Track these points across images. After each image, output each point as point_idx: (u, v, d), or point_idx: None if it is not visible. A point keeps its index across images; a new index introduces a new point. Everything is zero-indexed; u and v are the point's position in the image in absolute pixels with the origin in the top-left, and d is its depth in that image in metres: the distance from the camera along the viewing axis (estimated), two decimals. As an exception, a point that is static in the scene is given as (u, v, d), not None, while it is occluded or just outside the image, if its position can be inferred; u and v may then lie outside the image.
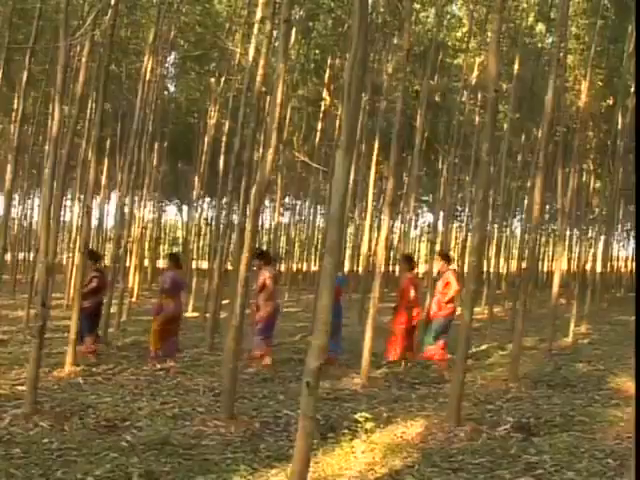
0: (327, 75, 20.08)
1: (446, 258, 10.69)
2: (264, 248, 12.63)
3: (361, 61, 4.10)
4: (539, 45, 20.12)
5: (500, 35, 6.58)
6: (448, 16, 20.39)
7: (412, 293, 10.12)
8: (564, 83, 15.25)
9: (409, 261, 10.74)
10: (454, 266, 13.79)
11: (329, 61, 20.14)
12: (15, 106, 17.93)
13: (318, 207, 27.80)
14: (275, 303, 9.98)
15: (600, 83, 19.41)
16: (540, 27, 20.01)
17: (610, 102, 19.95)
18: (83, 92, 9.57)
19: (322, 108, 20.51)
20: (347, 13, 18.96)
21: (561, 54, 10.04)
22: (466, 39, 19.22)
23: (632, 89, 16.41)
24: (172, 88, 26.18)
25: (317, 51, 21.30)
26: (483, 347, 12.21)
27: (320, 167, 18.33)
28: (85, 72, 9.06)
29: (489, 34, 7.23)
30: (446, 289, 10.06)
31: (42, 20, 12.70)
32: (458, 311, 9.18)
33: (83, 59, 9.49)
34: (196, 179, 24.27)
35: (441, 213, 21.98)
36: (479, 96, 21.08)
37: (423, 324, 10.34)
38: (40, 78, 16.71)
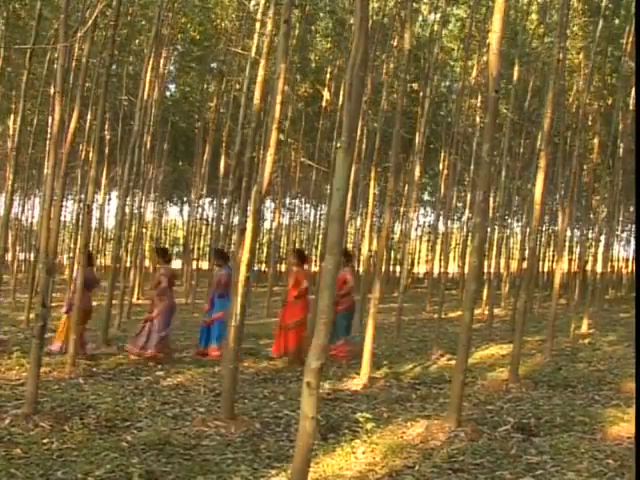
0: (328, 76, 20.11)
1: (346, 255, 10.57)
2: (164, 246, 12.73)
3: (362, 61, 4.10)
4: (539, 46, 20.10)
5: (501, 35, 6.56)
6: (449, 17, 20.39)
7: (304, 285, 10.14)
8: (564, 83, 15.27)
9: (300, 256, 10.73)
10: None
11: (329, 60, 20.17)
12: (15, 106, 17.92)
13: (319, 207, 27.82)
14: (170, 301, 10.03)
15: (599, 84, 19.41)
16: (541, 28, 20.01)
17: (609, 102, 19.95)
18: (83, 92, 9.57)
19: (322, 107, 20.52)
20: (349, 12, 18.99)
21: (561, 55, 10.02)
22: (466, 39, 19.20)
23: (632, 89, 16.41)
24: (173, 88, 26.17)
25: (317, 50, 21.31)
26: (483, 347, 12.22)
27: (321, 167, 18.35)
28: (85, 72, 9.05)
29: (489, 34, 7.22)
30: (343, 287, 10.07)
31: (42, 20, 12.71)
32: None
33: (84, 59, 9.49)
34: (197, 179, 24.28)
35: (441, 213, 22.00)
36: (479, 96, 21.07)
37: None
38: (40, 78, 16.71)
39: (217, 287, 10.10)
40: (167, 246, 12.62)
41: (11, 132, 19.44)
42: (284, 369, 9.65)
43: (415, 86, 19.41)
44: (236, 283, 6.61)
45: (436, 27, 18.14)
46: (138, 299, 19.21)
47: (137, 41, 19.82)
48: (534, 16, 19.32)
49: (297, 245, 30.47)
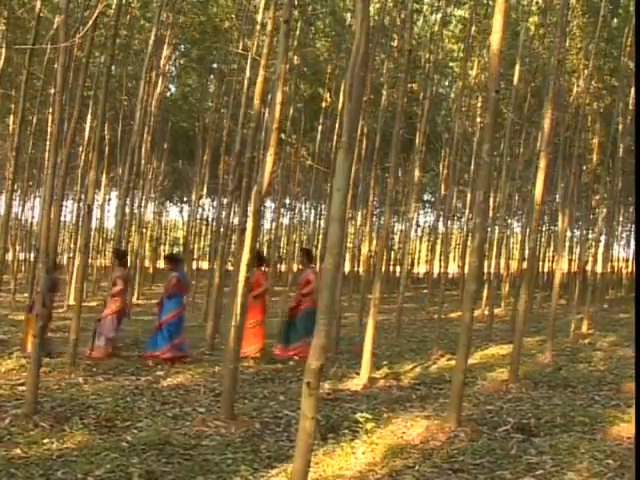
0: (328, 75, 20.10)
1: (308, 256, 10.66)
2: (122, 248, 12.75)
3: (362, 61, 4.10)
4: (540, 46, 20.10)
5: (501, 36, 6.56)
6: (450, 18, 20.38)
7: (264, 286, 10.21)
8: (564, 83, 15.27)
9: (260, 258, 10.79)
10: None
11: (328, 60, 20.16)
12: (15, 106, 17.91)
13: (319, 207, 27.82)
14: (123, 304, 10.06)
15: (599, 84, 19.40)
16: (541, 29, 20.01)
17: (608, 102, 19.95)
18: (83, 92, 9.57)
19: (322, 107, 20.51)
20: (347, 11, 19.00)
21: (560, 55, 10.02)
22: (466, 40, 19.20)
23: (632, 89, 16.41)
24: (173, 88, 26.16)
25: (317, 50, 21.30)
26: (483, 347, 12.22)
27: (321, 167, 18.34)
28: (86, 72, 9.05)
29: (490, 35, 7.22)
30: (306, 286, 10.13)
31: (42, 20, 12.72)
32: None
33: (84, 59, 9.49)
34: (197, 179, 24.28)
35: (441, 213, 21.99)
36: (479, 97, 21.07)
37: (286, 319, 10.37)
38: (39, 78, 16.71)
39: (166, 289, 10.12)
40: (123, 248, 12.61)
41: (11, 132, 19.41)
42: (284, 369, 9.65)
43: (415, 86, 19.43)
44: (236, 283, 6.61)
45: (437, 28, 18.13)
46: (138, 299, 19.22)
47: (137, 41, 19.80)
48: (534, 19, 19.30)
49: (297, 246, 30.46)
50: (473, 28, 17.96)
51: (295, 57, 18.21)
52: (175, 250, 38.63)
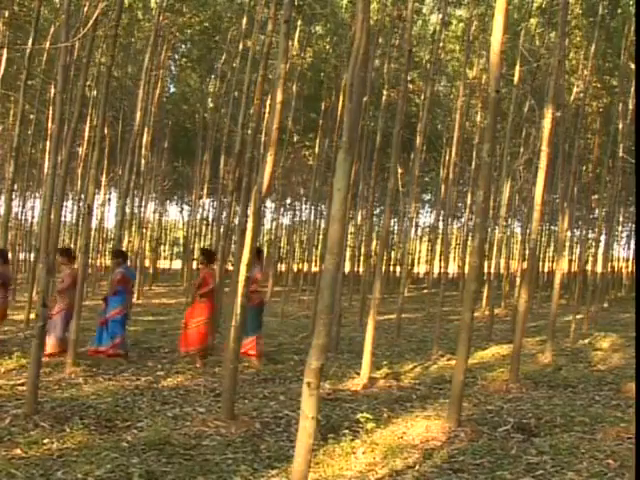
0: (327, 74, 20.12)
1: (258, 253, 10.37)
2: (68, 246, 12.75)
3: (363, 61, 4.10)
4: (540, 47, 20.11)
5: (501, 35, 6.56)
6: (450, 18, 20.39)
7: (211, 285, 10.17)
8: (564, 83, 15.27)
9: (208, 255, 10.77)
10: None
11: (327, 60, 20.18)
12: (15, 106, 17.92)
13: (319, 207, 27.81)
14: (72, 302, 10.05)
15: (598, 84, 19.41)
16: (540, 28, 20.02)
17: (608, 102, 19.96)
18: (84, 92, 9.57)
19: (323, 107, 20.52)
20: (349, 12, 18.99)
21: (560, 55, 10.01)
22: (466, 40, 19.22)
23: (632, 89, 16.41)
24: (173, 88, 26.19)
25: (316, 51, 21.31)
26: (483, 347, 12.22)
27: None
28: (86, 72, 9.05)
29: (490, 34, 7.22)
30: (254, 283, 10.00)
31: (41, 20, 12.73)
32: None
33: (84, 59, 9.49)
34: (197, 179, 24.30)
35: (441, 213, 21.99)
36: (479, 96, 21.08)
37: None
38: (42, 78, 16.72)
39: (112, 285, 10.12)
40: (71, 246, 12.54)
41: (11, 132, 19.42)
42: (284, 369, 9.65)
43: (415, 86, 19.42)
44: (236, 283, 6.61)
45: (437, 28, 18.12)
46: (139, 299, 19.21)
47: (135, 40, 19.80)
48: (534, 20, 19.31)
49: (297, 246, 30.51)
50: (472, 28, 17.98)
51: (296, 57, 18.23)
52: (174, 250, 38.65)
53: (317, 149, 21.16)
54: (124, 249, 12.79)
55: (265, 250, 35.97)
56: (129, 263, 17.32)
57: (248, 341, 9.85)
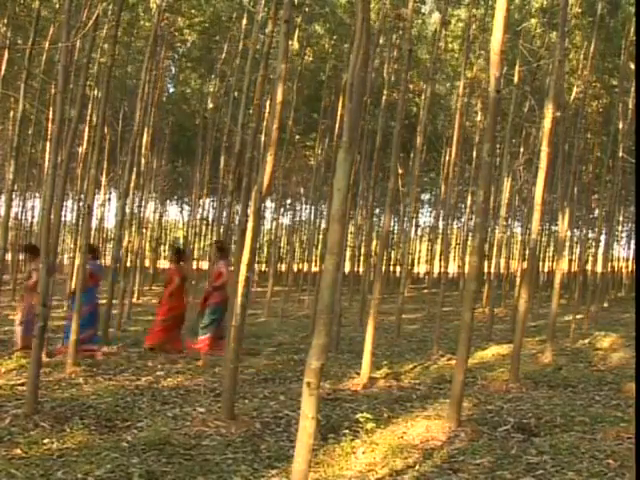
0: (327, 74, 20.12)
1: (221, 249, 10.62)
2: (33, 244, 12.76)
3: (363, 61, 4.10)
4: (540, 46, 20.12)
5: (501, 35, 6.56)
6: (449, 18, 20.38)
7: (177, 283, 10.20)
8: (564, 83, 15.27)
9: (177, 253, 10.75)
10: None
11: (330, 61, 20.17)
12: (15, 105, 17.90)
13: (319, 207, 27.81)
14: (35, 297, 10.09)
15: (598, 84, 19.41)
16: (540, 28, 20.03)
17: (608, 101, 19.96)
18: (84, 92, 9.57)
19: (323, 106, 20.52)
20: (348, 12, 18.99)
21: (561, 55, 10.01)
22: (466, 40, 19.23)
23: (632, 89, 16.41)
24: (173, 88, 26.18)
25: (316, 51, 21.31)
26: (483, 347, 12.22)
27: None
28: (86, 72, 9.05)
29: (490, 34, 7.23)
30: (218, 279, 10.13)
31: (43, 21, 12.73)
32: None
33: (84, 59, 9.49)
34: (197, 179, 24.29)
35: (441, 213, 21.98)
36: (480, 96, 21.07)
37: (198, 315, 10.34)
38: (42, 78, 16.71)
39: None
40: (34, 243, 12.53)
41: (10, 132, 19.42)
42: (284, 369, 9.65)
43: (413, 86, 19.42)
44: (236, 283, 6.61)
45: (437, 28, 18.12)
46: (138, 299, 19.22)
47: (135, 39, 19.80)
48: (535, 20, 19.32)
49: (297, 245, 30.51)
50: (473, 27, 17.98)
51: (295, 56, 18.22)
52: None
53: (317, 149, 21.17)
54: (96, 245, 12.79)
55: (265, 250, 36.04)
56: (129, 264, 17.38)
57: (205, 337, 9.95)
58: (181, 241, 38.62)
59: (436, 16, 21.56)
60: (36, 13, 11.03)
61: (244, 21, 16.20)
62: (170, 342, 10.28)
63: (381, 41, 15.75)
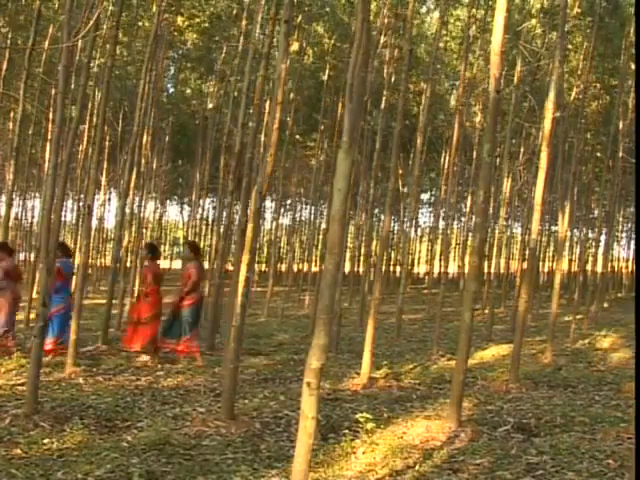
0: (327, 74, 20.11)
1: (194, 250, 10.57)
2: (5, 241, 12.77)
3: (363, 61, 4.10)
4: (540, 47, 20.13)
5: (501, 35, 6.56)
6: (448, 17, 20.38)
7: (149, 281, 10.19)
8: (563, 83, 15.28)
9: (152, 250, 10.75)
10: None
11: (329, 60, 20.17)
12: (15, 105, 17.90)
13: (319, 207, 27.82)
14: (15, 295, 10.06)
15: (597, 84, 19.42)
16: (540, 28, 20.03)
17: (607, 101, 19.97)
18: (84, 92, 9.57)
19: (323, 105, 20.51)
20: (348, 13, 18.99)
21: (561, 56, 10.01)
22: (465, 40, 19.24)
23: (632, 88, 16.42)
24: (172, 88, 26.17)
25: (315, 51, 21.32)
26: (483, 347, 12.22)
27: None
28: (87, 73, 9.05)
29: (490, 34, 7.24)
30: (188, 281, 10.08)
31: (43, 21, 12.72)
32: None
33: (85, 60, 9.49)
34: (197, 179, 24.29)
35: (442, 213, 21.98)
36: (480, 96, 21.07)
37: (171, 316, 10.28)
38: (42, 78, 16.71)
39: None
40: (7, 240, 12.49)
41: (10, 132, 19.42)
42: (284, 369, 9.65)
43: (413, 86, 19.42)
44: (236, 283, 6.61)
45: (436, 28, 18.10)
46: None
47: (135, 39, 19.79)
48: (534, 21, 19.32)
49: (297, 245, 30.50)
50: (472, 28, 17.96)
51: (295, 53, 18.22)
52: (174, 250, 38.62)
53: (317, 149, 21.17)
54: (66, 242, 12.79)
55: (265, 250, 36.03)
56: (129, 264, 17.36)
57: (185, 339, 9.92)
58: (181, 241, 38.61)
59: (434, 15, 21.56)
60: (36, 13, 11.03)
61: (244, 21, 16.18)
62: (153, 341, 10.24)
63: (382, 40, 15.73)
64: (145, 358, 9.69)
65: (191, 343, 9.95)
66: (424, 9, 20.71)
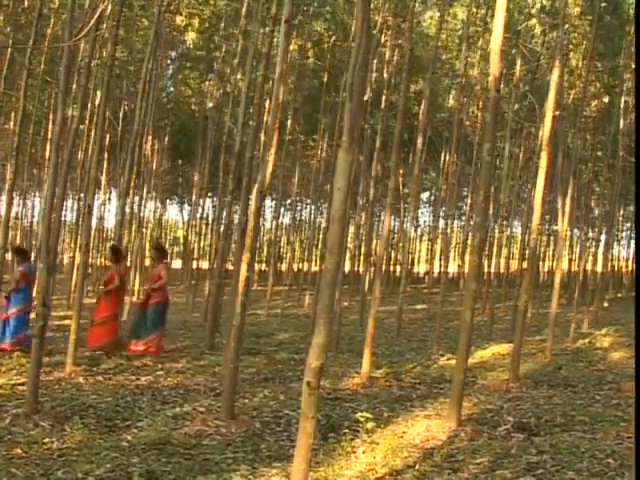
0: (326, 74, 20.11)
1: (161, 251, 10.94)
2: None
3: (363, 61, 4.10)
4: (539, 45, 20.13)
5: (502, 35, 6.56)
6: (449, 17, 20.39)
7: (116, 283, 10.27)
8: (563, 83, 15.27)
9: (115, 253, 10.82)
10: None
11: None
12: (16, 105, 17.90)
13: (320, 207, 27.81)
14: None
15: (597, 84, 19.42)
16: (540, 27, 20.03)
17: (607, 101, 19.97)
18: (85, 92, 9.56)
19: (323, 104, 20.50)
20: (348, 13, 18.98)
21: (561, 56, 10.02)
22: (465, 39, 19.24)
23: (632, 88, 16.41)
24: (172, 88, 26.18)
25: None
26: (484, 347, 12.22)
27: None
28: (88, 72, 9.04)
29: (490, 34, 7.25)
30: (158, 281, 10.32)
31: (43, 20, 12.71)
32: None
33: (86, 59, 9.49)
34: (197, 178, 24.28)
35: (441, 213, 21.98)
36: (475, 95, 21.06)
37: (137, 315, 10.45)
38: (43, 77, 16.71)
39: (15, 282, 10.21)
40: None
41: (11, 132, 19.41)
42: (284, 369, 9.65)
43: (414, 87, 19.41)
44: (236, 282, 6.61)
45: (434, 28, 18.12)
46: (138, 298, 19.19)
47: (135, 38, 19.79)
48: (534, 21, 19.32)
49: (297, 245, 30.50)
50: (471, 27, 17.95)
51: (295, 51, 18.22)
52: (174, 249, 38.61)
53: (318, 149, 21.16)
54: (22, 246, 12.88)
55: (265, 250, 36.00)
56: (129, 263, 17.37)
57: (150, 338, 10.10)
58: (181, 240, 38.65)
59: (431, 14, 21.54)
60: (37, 12, 11.01)
61: (244, 21, 16.17)
62: (114, 342, 10.27)
63: (382, 40, 15.73)
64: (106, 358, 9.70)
65: (158, 341, 10.17)
66: (422, 8, 20.65)
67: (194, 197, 25.95)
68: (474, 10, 18.19)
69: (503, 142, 18.36)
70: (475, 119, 21.50)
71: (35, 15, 11.04)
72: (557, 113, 10.14)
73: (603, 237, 21.91)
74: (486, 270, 19.81)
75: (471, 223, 20.77)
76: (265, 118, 14.66)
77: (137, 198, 18.21)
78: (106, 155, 21.53)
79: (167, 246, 41.91)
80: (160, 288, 10.33)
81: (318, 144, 21.59)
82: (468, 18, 17.30)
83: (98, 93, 16.38)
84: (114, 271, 10.47)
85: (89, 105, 17.04)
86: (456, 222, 33.86)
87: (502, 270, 21.99)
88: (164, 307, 10.48)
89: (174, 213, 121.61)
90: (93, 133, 15.35)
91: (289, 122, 20.91)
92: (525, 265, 12.74)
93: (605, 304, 22.72)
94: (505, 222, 19.49)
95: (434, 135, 23.11)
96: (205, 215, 27.11)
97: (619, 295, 30.64)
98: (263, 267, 34.81)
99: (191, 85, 25.91)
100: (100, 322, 10.15)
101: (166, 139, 25.52)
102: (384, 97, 13.14)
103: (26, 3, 15.53)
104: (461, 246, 26.31)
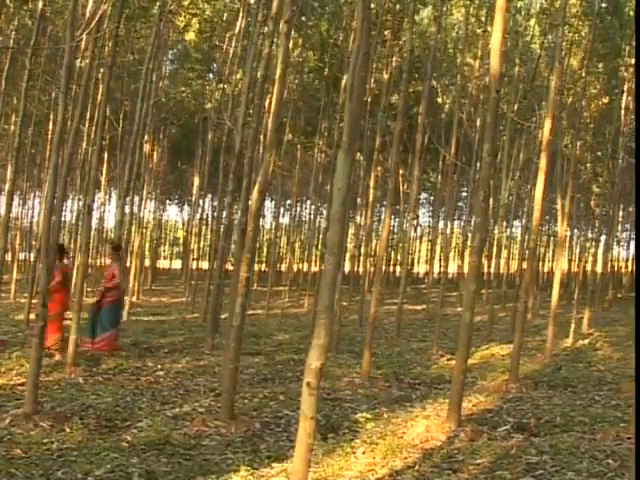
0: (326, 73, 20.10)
1: (117, 250, 10.94)
2: None
3: (363, 61, 4.10)
4: (538, 46, 20.13)
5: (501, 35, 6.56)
6: (447, 17, 20.37)
7: (57, 280, 10.16)
8: (563, 84, 15.29)
9: (60, 250, 10.84)
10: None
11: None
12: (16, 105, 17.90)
13: (319, 207, 27.80)
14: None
15: (597, 84, 19.41)
16: (539, 27, 20.03)
17: (607, 101, 19.97)
18: (86, 92, 9.56)
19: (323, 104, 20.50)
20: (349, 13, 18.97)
21: (562, 54, 10.03)
22: (464, 39, 19.24)
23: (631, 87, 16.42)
24: (173, 88, 26.16)
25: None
26: (483, 347, 12.22)
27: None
28: (89, 72, 9.05)
29: (490, 34, 7.26)
30: (111, 280, 10.38)
31: (45, 21, 12.69)
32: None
33: (87, 60, 9.49)
34: (197, 179, 24.30)
35: (441, 213, 21.97)
36: (480, 96, 21.05)
37: (92, 313, 10.42)
38: (44, 77, 16.71)
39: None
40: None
41: (11, 132, 19.42)
42: (284, 369, 9.66)
43: (414, 85, 19.40)
44: (236, 283, 6.61)
45: (433, 27, 18.10)
46: (138, 299, 19.22)
47: (136, 37, 19.79)
48: (534, 21, 19.32)
49: (297, 246, 30.51)
50: (470, 27, 17.97)
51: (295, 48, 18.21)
52: (174, 249, 38.62)
53: (318, 149, 21.16)
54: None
55: (265, 250, 36.00)
56: (128, 263, 17.37)
57: (105, 336, 10.14)
58: (181, 241, 38.67)
59: (428, 13, 21.53)
60: (39, 12, 11.01)
61: (243, 20, 16.18)
62: (60, 338, 10.25)
63: (385, 36, 15.73)
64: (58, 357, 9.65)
65: (111, 339, 10.22)
66: (422, 7, 20.64)
67: (194, 197, 25.96)
68: (473, 10, 18.19)
69: (503, 142, 18.34)
70: (474, 118, 21.49)
71: (37, 16, 11.05)
72: (557, 114, 10.15)
73: (603, 238, 21.92)
74: (486, 270, 19.82)
75: (471, 223, 20.80)
76: (265, 118, 14.67)
77: (137, 198, 18.21)
78: (106, 155, 21.54)
79: (167, 246, 41.97)
80: (114, 287, 10.40)
81: (318, 144, 21.58)
82: (467, 18, 17.31)
83: (99, 93, 16.39)
84: (57, 268, 10.43)
85: (89, 105, 17.04)
86: (456, 222, 33.87)
87: (502, 270, 21.99)
88: (118, 306, 10.59)
89: (174, 213, 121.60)
90: (93, 133, 15.38)
91: (289, 122, 20.89)
92: (525, 265, 12.73)
93: (605, 305, 22.74)
94: (505, 222, 19.49)
95: (434, 135, 23.10)
96: (205, 215, 27.13)
97: (619, 296, 30.65)
98: (263, 267, 34.83)
99: (191, 85, 25.90)
100: (50, 321, 10.14)
101: (166, 139, 25.52)
102: (384, 97, 13.15)
103: (29, 4, 15.52)
104: (461, 246, 26.31)
